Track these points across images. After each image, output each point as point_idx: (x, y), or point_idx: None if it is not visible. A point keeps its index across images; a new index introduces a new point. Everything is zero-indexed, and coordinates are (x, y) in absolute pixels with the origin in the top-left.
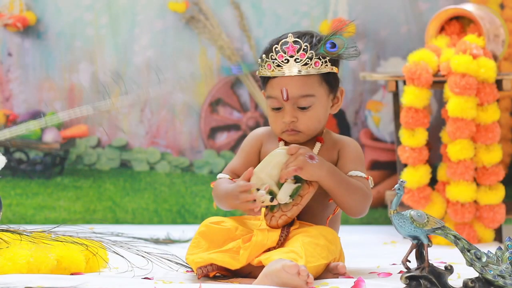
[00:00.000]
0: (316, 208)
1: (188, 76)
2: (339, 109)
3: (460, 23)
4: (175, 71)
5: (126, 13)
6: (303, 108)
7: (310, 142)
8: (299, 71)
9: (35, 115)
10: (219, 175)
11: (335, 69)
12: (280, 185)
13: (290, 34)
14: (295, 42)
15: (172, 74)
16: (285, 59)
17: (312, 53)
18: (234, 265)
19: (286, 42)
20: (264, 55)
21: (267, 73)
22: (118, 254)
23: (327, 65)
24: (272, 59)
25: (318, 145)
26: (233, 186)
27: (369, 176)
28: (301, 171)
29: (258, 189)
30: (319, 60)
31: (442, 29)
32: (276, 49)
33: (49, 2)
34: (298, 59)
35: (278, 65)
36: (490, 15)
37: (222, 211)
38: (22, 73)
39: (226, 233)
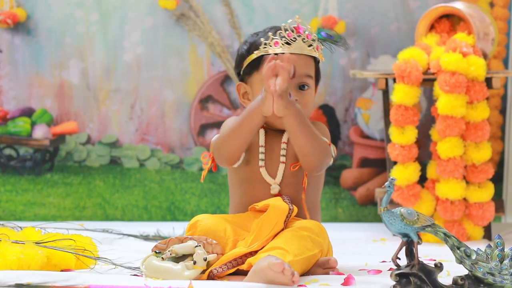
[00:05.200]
0: (294, 194)
1: (178, 73)
2: (328, 106)
3: (450, 21)
4: (165, 68)
5: (116, 10)
6: (302, 89)
7: (281, 130)
8: (307, 50)
9: (26, 111)
10: (215, 136)
11: (322, 59)
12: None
13: (296, 16)
14: (302, 23)
15: (162, 71)
16: (293, 37)
17: (315, 35)
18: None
19: (294, 22)
20: (270, 33)
21: (274, 50)
22: (108, 250)
23: (320, 53)
24: (281, 36)
25: None
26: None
27: (334, 146)
28: (278, 100)
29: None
30: (319, 45)
31: (432, 27)
32: (285, 27)
33: None
34: (305, 39)
35: (287, 43)
36: (480, 13)
37: (207, 209)
38: (12, 70)
39: (220, 242)
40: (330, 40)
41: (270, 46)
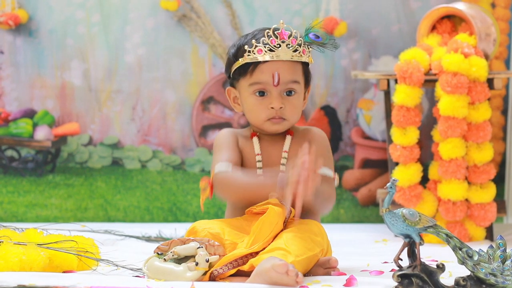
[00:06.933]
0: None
1: (180, 74)
2: (330, 107)
3: (451, 22)
4: (167, 69)
5: (117, 11)
6: (288, 94)
7: (281, 135)
8: (291, 56)
9: (27, 113)
10: (220, 166)
11: (311, 61)
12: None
13: (281, 21)
14: (286, 28)
15: (163, 73)
16: (277, 44)
17: (301, 40)
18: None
19: (278, 28)
20: (254, 41)
21: (257, 58)
22: (110, 252)
23: (309, 56)
24: (264, 43)
25: (289, 138)
26: (280, 175)
27: (336, 175)
28: (304, 197)
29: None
30: (306, 49)
31: (433, 28)
32: (268, 33)
33: (41, 0)
34: (289, 44)
35: (271, 50)
36: (482, 14)
37: (209, 210)
38: (14, 71)
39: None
40: (317, 43)
41: (254, 53)
